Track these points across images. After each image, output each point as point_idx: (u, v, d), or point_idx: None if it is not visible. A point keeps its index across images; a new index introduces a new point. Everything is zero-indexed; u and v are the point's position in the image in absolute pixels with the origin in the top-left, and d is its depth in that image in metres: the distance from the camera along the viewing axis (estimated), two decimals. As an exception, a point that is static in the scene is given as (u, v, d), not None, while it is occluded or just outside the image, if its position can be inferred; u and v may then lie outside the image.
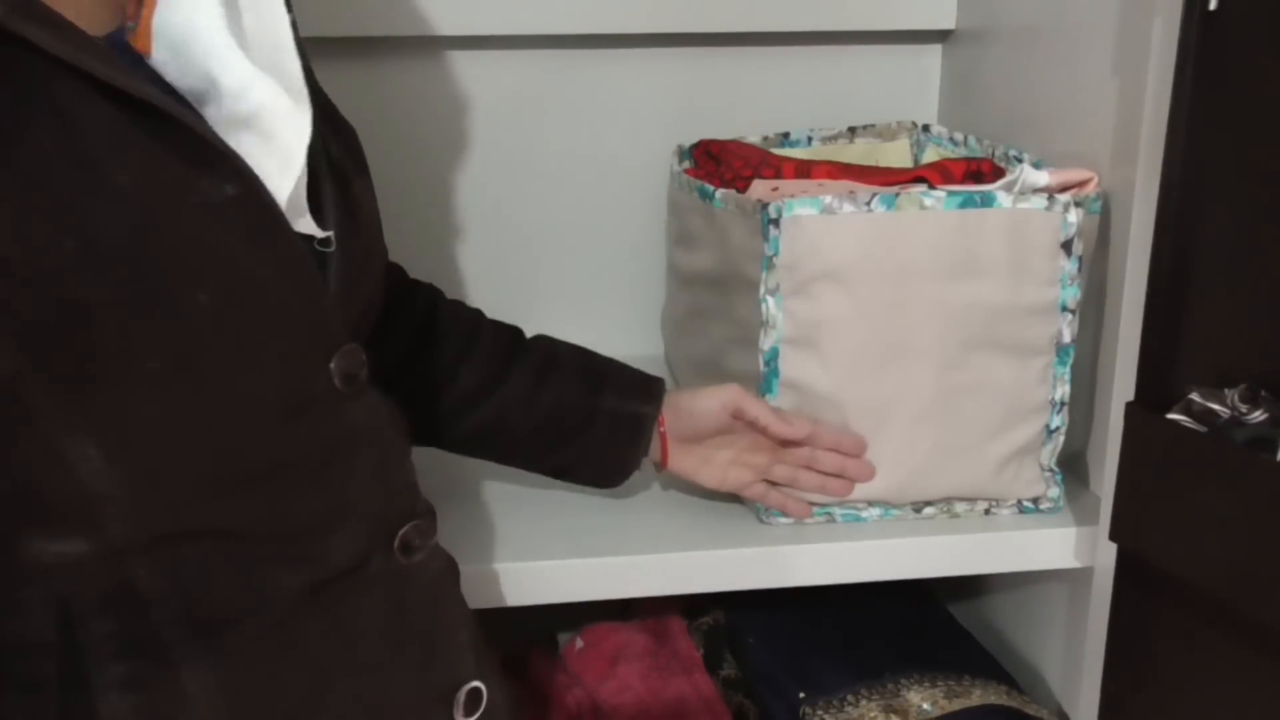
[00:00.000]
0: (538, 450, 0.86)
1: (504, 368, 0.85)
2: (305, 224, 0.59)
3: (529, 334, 0.89)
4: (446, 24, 1.06)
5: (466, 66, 1.11)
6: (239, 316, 0.54)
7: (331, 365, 0.59)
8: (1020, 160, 0.89)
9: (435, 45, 1.10)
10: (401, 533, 0.64)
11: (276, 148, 0.58)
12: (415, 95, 1.11)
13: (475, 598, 0.75)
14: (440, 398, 0.84)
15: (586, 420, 0.85)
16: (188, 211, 0.53)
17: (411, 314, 0.85)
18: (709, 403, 0.85)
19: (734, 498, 0.89)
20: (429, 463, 0.95)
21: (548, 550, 0.84)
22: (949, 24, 1.13)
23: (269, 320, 0.56)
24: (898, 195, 0.80)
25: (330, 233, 0.60)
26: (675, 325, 1.09)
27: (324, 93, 0.68)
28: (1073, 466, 0.92)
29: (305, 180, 0.59)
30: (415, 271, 0.89)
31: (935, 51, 1.17)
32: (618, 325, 1.19)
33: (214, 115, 0.57)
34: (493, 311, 0.88)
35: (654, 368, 0.89)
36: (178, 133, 0.53)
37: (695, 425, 0.85)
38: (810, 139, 1.11)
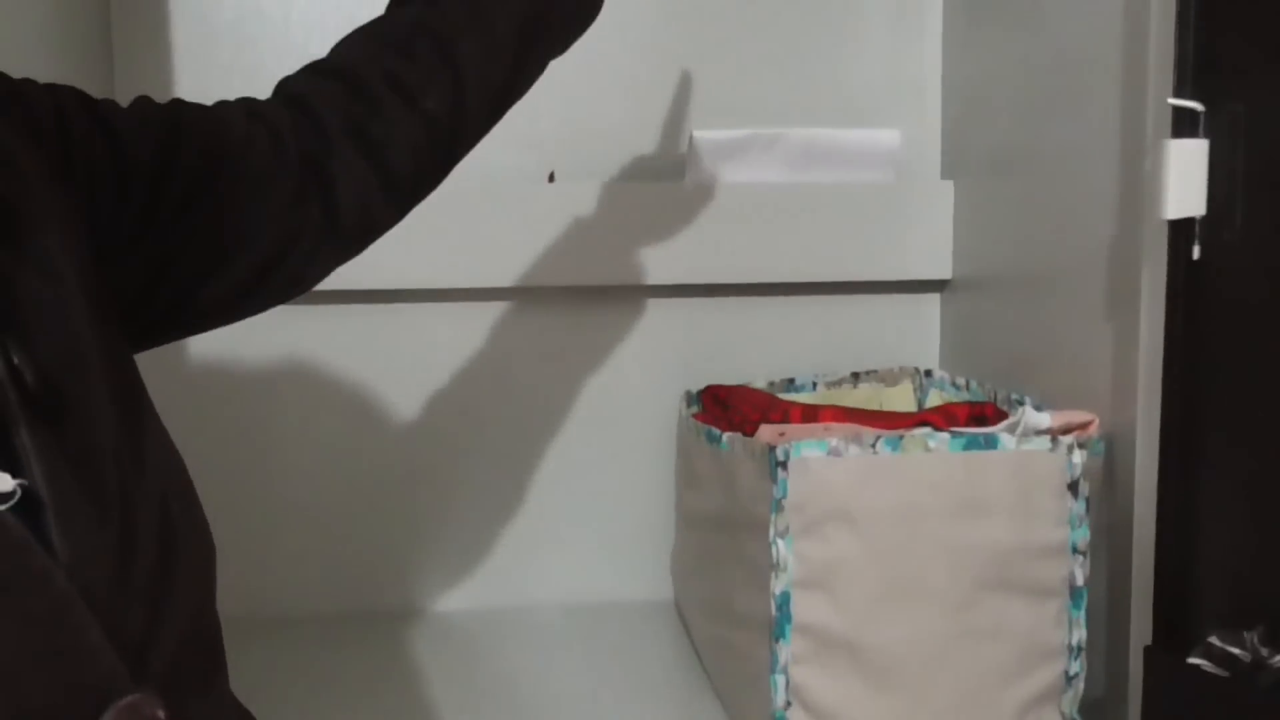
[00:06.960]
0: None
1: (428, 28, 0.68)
2: None
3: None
4: (459, 277, 1.10)
5: (482, 317, 1.15)
6: None
7: None
8: (1022, 403, 0.90)
9: (447, 297, 1.14)
10: None
11: None
12: (427, 342, 1.15)
13: None
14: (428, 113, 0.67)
15: None
16: None
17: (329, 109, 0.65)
18: None
19: None
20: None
21: None
22: (946, 274, 1.17)
23: None
24: (902, 437, 0.81)
25: (17, 484, 0.35)
26: (685, 568, 1.08)
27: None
28: (1095, 714, 0.89)
29: None
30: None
31: (934, 300, 1.21)
32: (627, 568, 1.18)
33: None
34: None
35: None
36: None
37: None
38: (815, 384, 1.13)
